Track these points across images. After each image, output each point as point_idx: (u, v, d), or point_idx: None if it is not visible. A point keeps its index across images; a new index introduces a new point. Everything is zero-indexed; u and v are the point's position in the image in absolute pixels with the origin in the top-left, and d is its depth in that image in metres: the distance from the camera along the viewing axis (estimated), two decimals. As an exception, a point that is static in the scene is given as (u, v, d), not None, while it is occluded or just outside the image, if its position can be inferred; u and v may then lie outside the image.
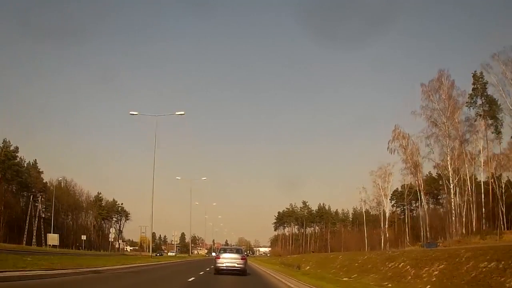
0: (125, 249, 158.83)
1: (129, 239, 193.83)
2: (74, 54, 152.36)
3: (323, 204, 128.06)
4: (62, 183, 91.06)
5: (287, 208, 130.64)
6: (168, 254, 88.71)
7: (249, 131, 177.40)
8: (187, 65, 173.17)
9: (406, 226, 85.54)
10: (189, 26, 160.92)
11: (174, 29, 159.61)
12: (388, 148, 65.48)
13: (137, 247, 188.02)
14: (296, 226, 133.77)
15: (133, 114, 39.89)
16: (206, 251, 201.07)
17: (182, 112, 40.64)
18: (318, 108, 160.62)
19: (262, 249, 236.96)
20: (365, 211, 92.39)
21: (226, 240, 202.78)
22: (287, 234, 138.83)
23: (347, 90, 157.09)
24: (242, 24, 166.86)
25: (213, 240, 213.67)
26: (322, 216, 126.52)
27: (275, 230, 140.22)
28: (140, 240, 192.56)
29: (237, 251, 23.54)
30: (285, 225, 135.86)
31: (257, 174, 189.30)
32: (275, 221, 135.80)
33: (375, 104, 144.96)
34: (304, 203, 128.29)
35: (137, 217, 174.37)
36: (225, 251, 23.49)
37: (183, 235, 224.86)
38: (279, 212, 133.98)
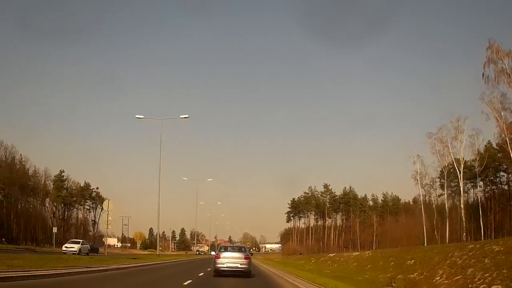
0: (115, 245, 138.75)
1: (125, 236, 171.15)
2: (74, 54, 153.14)
3: (350, 187, 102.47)
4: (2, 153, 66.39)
5: (305, 193, 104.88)
6: (63, 248, 38.28)
7: (252, 126, 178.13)
8: (187, 64, 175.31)
9: (480, 210, 62.17)
10: (189, 25, 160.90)
11: (174, 29, 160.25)
12: (483, 76, 40.98)
13: (129, 244, 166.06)
14: (314, 217, 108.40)
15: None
16: (207, 248, 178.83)
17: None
18: (320, 104, 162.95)
19: (269, 246, 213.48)
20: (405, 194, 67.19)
21: (230, 237, 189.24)
22: (303, 226, 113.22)
23: (347, 88, 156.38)
24: (243, 24, 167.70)
25: (215, 236, 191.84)
26: (348, 202, 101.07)
27: (288, 221, 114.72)
28: (134, 236, 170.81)
29: (240, 249, 21.00)
30: (301, 215, 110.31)
31: (261, 168, 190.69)
32: (289, 210, 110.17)
33: (375, 102, 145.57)
34: (325, 186, 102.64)
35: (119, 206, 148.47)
36: (226, 249, 20.83)
37: (183, 230, 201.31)
38: (293, 199, 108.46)
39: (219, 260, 19.63)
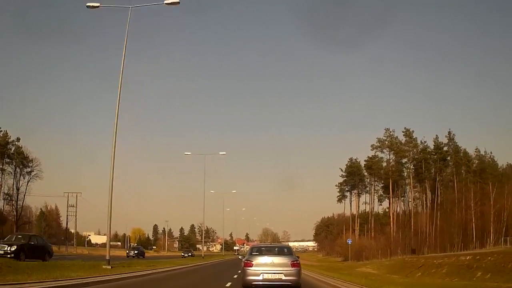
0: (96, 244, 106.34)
1: (117, 233, 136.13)
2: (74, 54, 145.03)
3: (450, 133, 60.63)
4: None
5: (378, 140, 62.45)
6: None
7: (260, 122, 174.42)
8: (188, 64, 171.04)
9: None
10: (189, 28, 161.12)
11: (173, 27, 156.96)
12: None
13: (119, 242, 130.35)
14: (383, 189, 66.74)
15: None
16: (219, 248, 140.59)
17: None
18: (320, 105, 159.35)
19: (293, 244, 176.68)
20: None
21: (247, 234, 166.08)
22: (362, 207, 71.48)
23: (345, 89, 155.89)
24: (242, 22, 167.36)
25: (231, 234, 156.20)
26: (446, 160, 59.54)
27: (340, 200, 73.04)
28: (132, 232, 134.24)
29: (282, 251, 14.01)
30: (362, 189, 68.61)
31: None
32: (344, 178, 68.60)
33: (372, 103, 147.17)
34: (407, 133, 60.92)
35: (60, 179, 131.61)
36: (260, 252, 13.76)
37: (192, 227, 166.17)
38: (351, 160, 67.01)
39: (251, 270, 12.85)
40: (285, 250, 14.26)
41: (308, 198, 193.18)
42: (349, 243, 53.26)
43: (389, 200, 62.14)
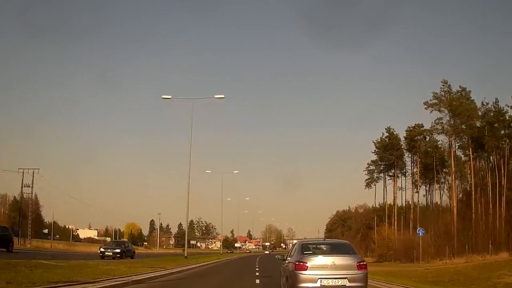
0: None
1: (107, 228, 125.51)
2: (74, 53, 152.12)
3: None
4: None
5: (436, 99, 45.86)
6: None
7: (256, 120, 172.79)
8: (188, 64, 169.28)
9: None
10: (189, 28, 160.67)
11: (172, 26, 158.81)
12: None
13: (108, 238, 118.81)
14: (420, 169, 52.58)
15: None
16: (218, 245, 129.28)
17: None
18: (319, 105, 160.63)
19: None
20: None
21: (249, 231, 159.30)
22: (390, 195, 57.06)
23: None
24: (242, 21, 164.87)
25: (232, 231, 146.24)
26: (511, 128, 45.55)
27: (368, 184, 58.68)
28: (126, 227, 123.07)
29: (340, 249, 10.52)
30: (398, 170, 54.31)
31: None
32: (378, 155, 54.50)
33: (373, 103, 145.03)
34: (463, 93, 46.34)
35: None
36: (313, 251, 10.26)
37: (191, 223, 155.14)
38: (388, 131, 53.06)
39: (305, 275, 9.52)
40: (344, 247, 10.56)
41: (312, 196, 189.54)
42: (420, 235, 38.34)
43: (451, 178, 47.54)
